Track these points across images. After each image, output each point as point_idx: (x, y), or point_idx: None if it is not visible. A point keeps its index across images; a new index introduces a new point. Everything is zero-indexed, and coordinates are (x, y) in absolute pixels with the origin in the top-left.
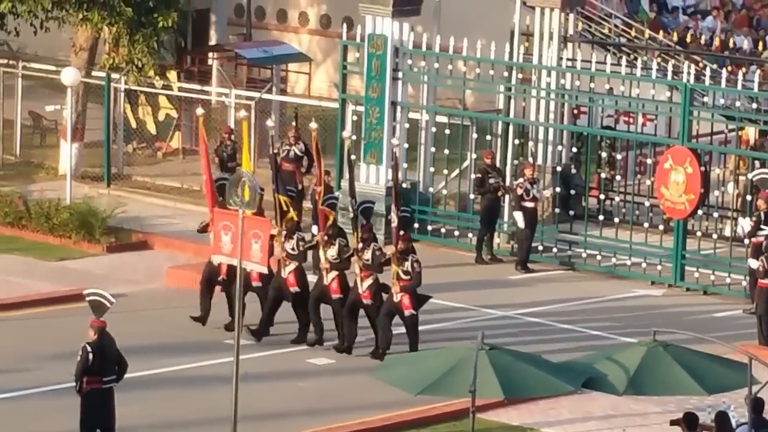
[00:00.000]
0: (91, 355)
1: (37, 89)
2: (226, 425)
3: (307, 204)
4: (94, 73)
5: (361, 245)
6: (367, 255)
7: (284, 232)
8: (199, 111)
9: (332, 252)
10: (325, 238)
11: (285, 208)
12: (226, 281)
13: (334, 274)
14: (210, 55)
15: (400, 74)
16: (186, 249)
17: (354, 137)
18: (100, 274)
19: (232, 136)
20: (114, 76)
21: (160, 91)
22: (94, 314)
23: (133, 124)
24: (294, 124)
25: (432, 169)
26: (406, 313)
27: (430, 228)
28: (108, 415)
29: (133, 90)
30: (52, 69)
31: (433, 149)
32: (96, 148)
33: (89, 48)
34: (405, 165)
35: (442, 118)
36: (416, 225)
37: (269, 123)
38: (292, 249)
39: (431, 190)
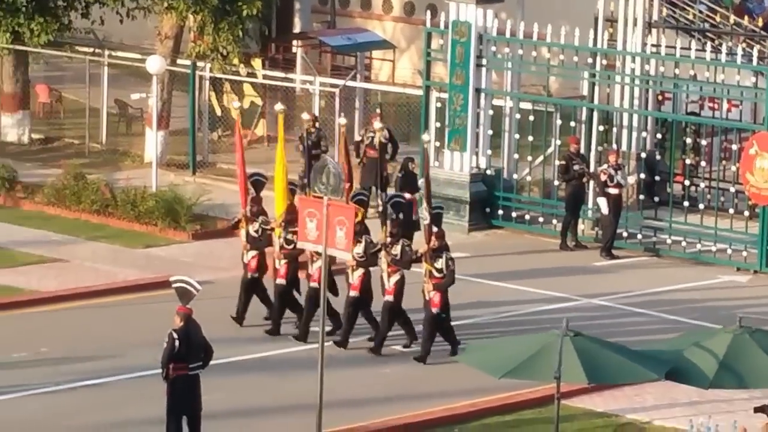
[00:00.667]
0: (177, 342)
1: (123, 77)
2: (310, 412)
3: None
4: (179, 61)
5: (389, 240)
6: (396, 250)
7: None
8: (279, 107)
9: (358, 249)
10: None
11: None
12: (253, 280)
13: (360, 271)
14: (294, 42)
15: (484, 61)
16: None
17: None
18: (186, 261)
19: (317, 124)
20: (199, 64)
21: (244, 78)
22: (180, 301)
23: (218, 112)
24: (378, 111)
25: (516, 156)
26: (433, 310)
27: (514, 215)
28: (194, 401)
29: (218, 78)
30: (137, 57)
31: (517, 136)
32: (181, 136)
33: (174, 36)
34: (489, 152)
35: (526, 105)
36: (500, 212)
37: (278, 107)
38: (359, 254)
39: (515, 176)
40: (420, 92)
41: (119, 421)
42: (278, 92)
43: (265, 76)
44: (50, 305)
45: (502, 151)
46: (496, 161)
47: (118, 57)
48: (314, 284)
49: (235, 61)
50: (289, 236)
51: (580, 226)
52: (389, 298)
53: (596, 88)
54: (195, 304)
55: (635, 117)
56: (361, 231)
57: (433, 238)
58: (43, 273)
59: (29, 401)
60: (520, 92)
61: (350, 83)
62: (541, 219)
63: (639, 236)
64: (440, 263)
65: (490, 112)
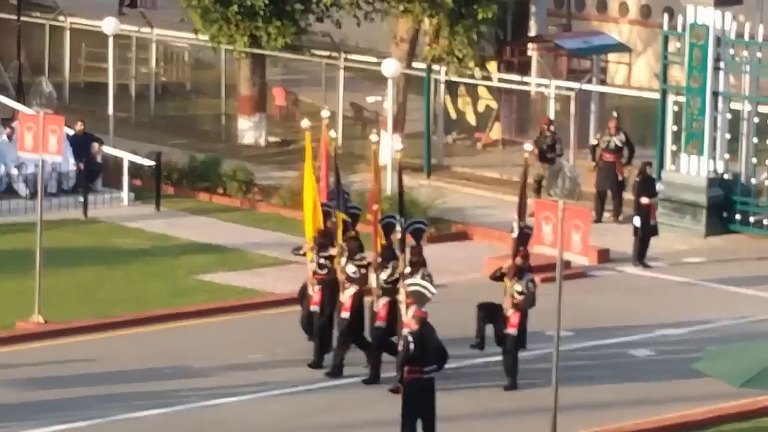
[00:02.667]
0: (412, 345)
1: (359, 81)
2: (544, 416)
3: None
4: (414, 65)
5: (409, 269)
6: (416, 279)
7: (346, 253)
8: (305, 123)
9: (384, 276)
10: (379, 260)
11: (345, 227)
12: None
13: (385, 299)
14: (529, 45)
15: (721, 64)
16: (506, 240)
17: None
18: None
19: (551, 127)
20: (434, 67)
21: (479, 82)
22: (416, 305)
23: (453, 115)
24: (615, 115)
25: (754, 160)
26: (510, 330)
27: (752, 219)
28: (429, 404)
29: (453, 81)
30: (373, 61)
31: (755, 140)
32: (416, 139)
33: (410, 40)
34: (726, 156)
35: (765, 108)
36: (738, 216)
37: (304, 123)
38: (354, 272)
39: (753, 181)
40: (656, 95)
41: (353, 423)
42: (513, 95)
43: (500, 80)
44: (285, 307)
45: (740, 155)
46: (734, 165)
47: (354, 60)
48: (345, 314)
49: (471, 64)
50: (322, 260)
51: None
52: (381, 324)
53: None
54: (430, 307)
55: None
56: (389, 256)
57: (518, 256)
58: (278, 275)
59: (266, 402)
60: (759, 95)
61: (586, 86)
62: None
63: None
64: (521, 285)
65: (728, 115)
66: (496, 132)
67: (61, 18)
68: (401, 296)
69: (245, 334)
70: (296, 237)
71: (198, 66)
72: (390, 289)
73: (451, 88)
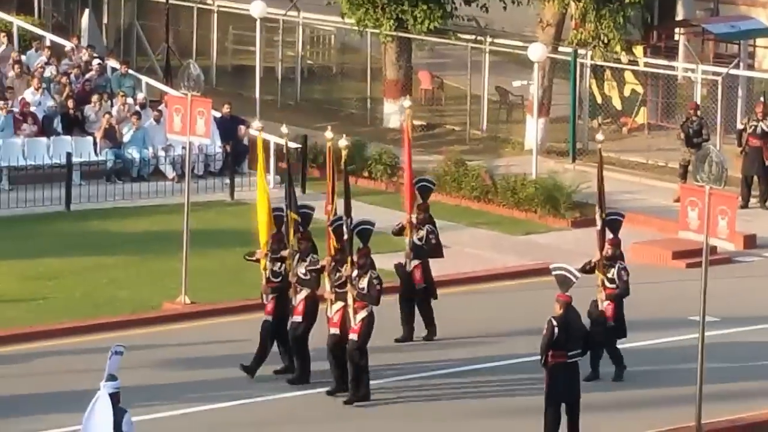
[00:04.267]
0: (556, 330)
1: (504, 65)
2: (689, 403)
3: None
4: (560, 49)
5: (356, 272)
6: (363, 283)
7: (297, 254)
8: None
9: (363, 284)
10: (332, 263)
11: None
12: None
13: (339, 305)
14: (677, 30)
15: None
16: (651, 224)
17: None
18: (566, 248)
19: (698, 112)
20: (580, 51)
21: (626, 66)
22: (560, 288)
23: (599, 100)
24: (762, 100)
25: None
26: (609, 323)
27: None
28: (573, 388)
29: (599, 65)
30: (518, 45)
31: None
32: (561, 123)
33: (556, 24)
34: None
35: None
36: None
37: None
38: (304, 274)
39: None
40: None
41: (496, 407)
42: (659, 80)
43: (646, 64)
44: None
45: None
46: None
47: (500, 44)
48: (297, 317)
49: (617, 48)
50: (276, 268)
51: None
52: (354, 337)
53: None
54: (574, 291)
55: None
56: (342, 259)
57: (606, 245)
58: None
59: (407, 385)
60: None
61: (733, 71)
62: None
63: None
64: (612, 272)
65: None
66: (641, 116)
67: (209, 1)
68: (349, 300)
69: (390, 317)
70: (441, 221)
71: (344, 49)
72: (344, 293)
73: (597, 72)
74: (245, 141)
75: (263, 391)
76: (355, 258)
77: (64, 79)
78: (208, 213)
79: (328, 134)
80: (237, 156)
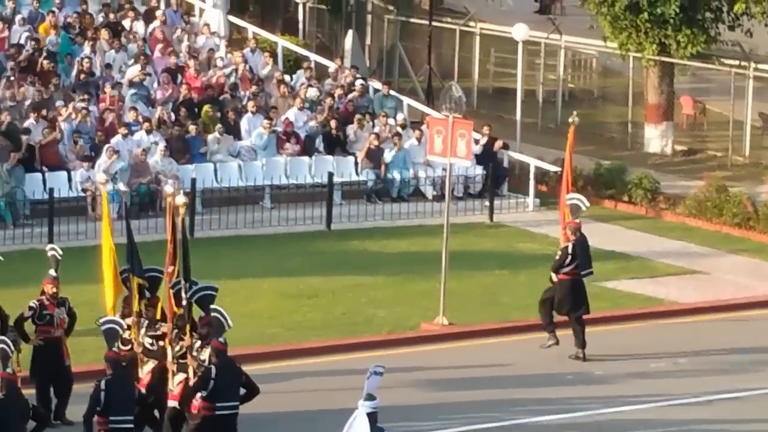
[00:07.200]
0: None
1: None
2: None
3: None
4: None
5: (198, 343)
6: (204, 355)
7: (145, 323)
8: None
9: (178, 349)
10: (175, 330)
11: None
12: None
13: (181, 376)
14: None
15: None
16: None
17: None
18: None
19: None
20: None
21: None
22: None
23: None
24: None
25: None
26: None
27: None
28: None
29: None
30: None
31: None
32: None
33: None
34: None
35: None
36: None
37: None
38: (151, 344)
39: None
40: None
41: None
42: None
43: None
44: (689, 317)
45: None
46: None
47: (765, 70)
48: (173, 403)
49: None
50: (127, 335)
51: None
52: (173, 403)
53: None
54: None
55: None
56: (183, 326)
57: None
58: (682, 284)
59: (667, 411)
60: None
61: None
62: None
63: None
64: None
65: None
66: None
67: (472, 23)
68: (190, 373)
69: (648, 343)
70: (701, 247)
71: (605, 73)
72: (184, 364)
73: None
74: (505, 163)
75: (522, 414)
76: (197, 326)
77: (327, 100)
78: (467, 235)
79: (168, 188)
80: (496, 178)
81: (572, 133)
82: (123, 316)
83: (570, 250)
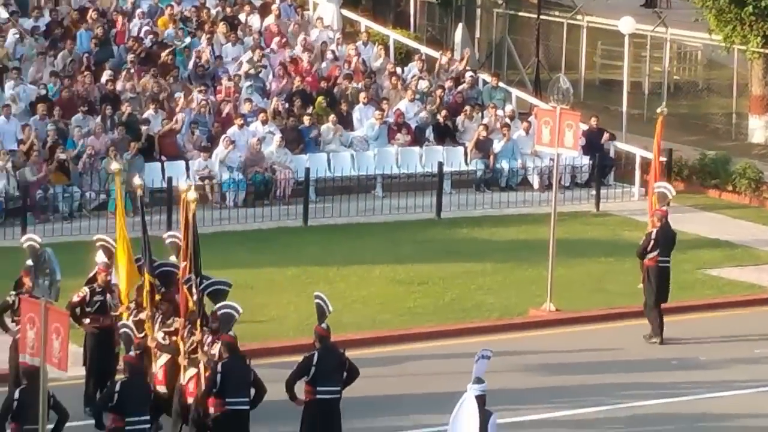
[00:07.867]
0: None
1: None
2: None
3: None
4: None
5: (210, 338)
6: (215, 350)
7: (159, 317)
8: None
9: (189, 344)
10: (188, 326)
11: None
12: None
13: (192, 371)
14: None
15: None
16: None
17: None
18: None
19: None
20: None
21: None
22: None
23: None
24: None
25: None
26: None
27: None
28: None
29: None
30: None
31: None
32: None
33: None
34: None
35: None
36: None
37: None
38: (164, 338)
39: None
40: None
41: None
42: None
43: None
44: None
45: None
46: None
47: None
48: (160, 387)
49: None
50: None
51: None
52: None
53: None
54: None
55: None
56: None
57: None
58: None
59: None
60: None
61: None
62: None
63: None
64: None
65: None
66: None
67: (579, 17)
68: (201, 368)
69: (751, 329)
70: None
71: (710, 65)
72: (195, 359)
73: None
74: (611, 153)
75: (627, 399)
76: (208, 321)
77: (438, 91)
78: (573, 223)
79: (182, 185)
80: (603, 168)
81: (660, 123)
82: (136, 304)
83: (654, 236)
